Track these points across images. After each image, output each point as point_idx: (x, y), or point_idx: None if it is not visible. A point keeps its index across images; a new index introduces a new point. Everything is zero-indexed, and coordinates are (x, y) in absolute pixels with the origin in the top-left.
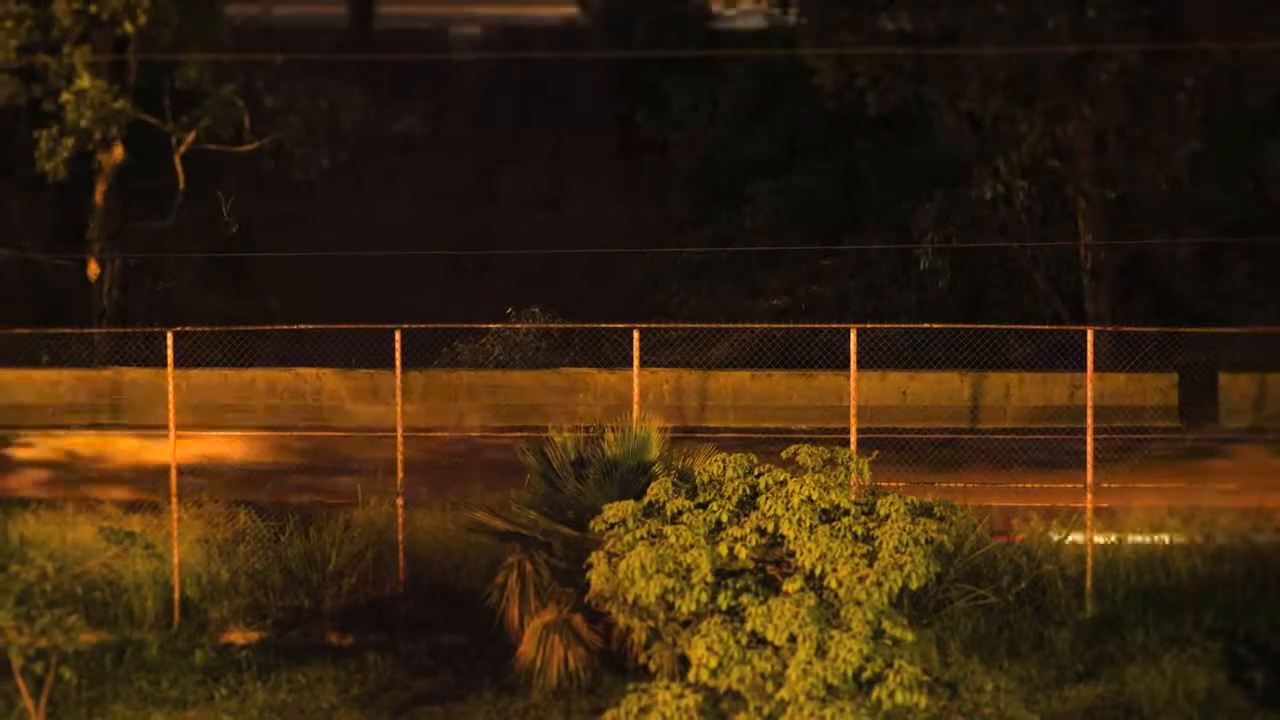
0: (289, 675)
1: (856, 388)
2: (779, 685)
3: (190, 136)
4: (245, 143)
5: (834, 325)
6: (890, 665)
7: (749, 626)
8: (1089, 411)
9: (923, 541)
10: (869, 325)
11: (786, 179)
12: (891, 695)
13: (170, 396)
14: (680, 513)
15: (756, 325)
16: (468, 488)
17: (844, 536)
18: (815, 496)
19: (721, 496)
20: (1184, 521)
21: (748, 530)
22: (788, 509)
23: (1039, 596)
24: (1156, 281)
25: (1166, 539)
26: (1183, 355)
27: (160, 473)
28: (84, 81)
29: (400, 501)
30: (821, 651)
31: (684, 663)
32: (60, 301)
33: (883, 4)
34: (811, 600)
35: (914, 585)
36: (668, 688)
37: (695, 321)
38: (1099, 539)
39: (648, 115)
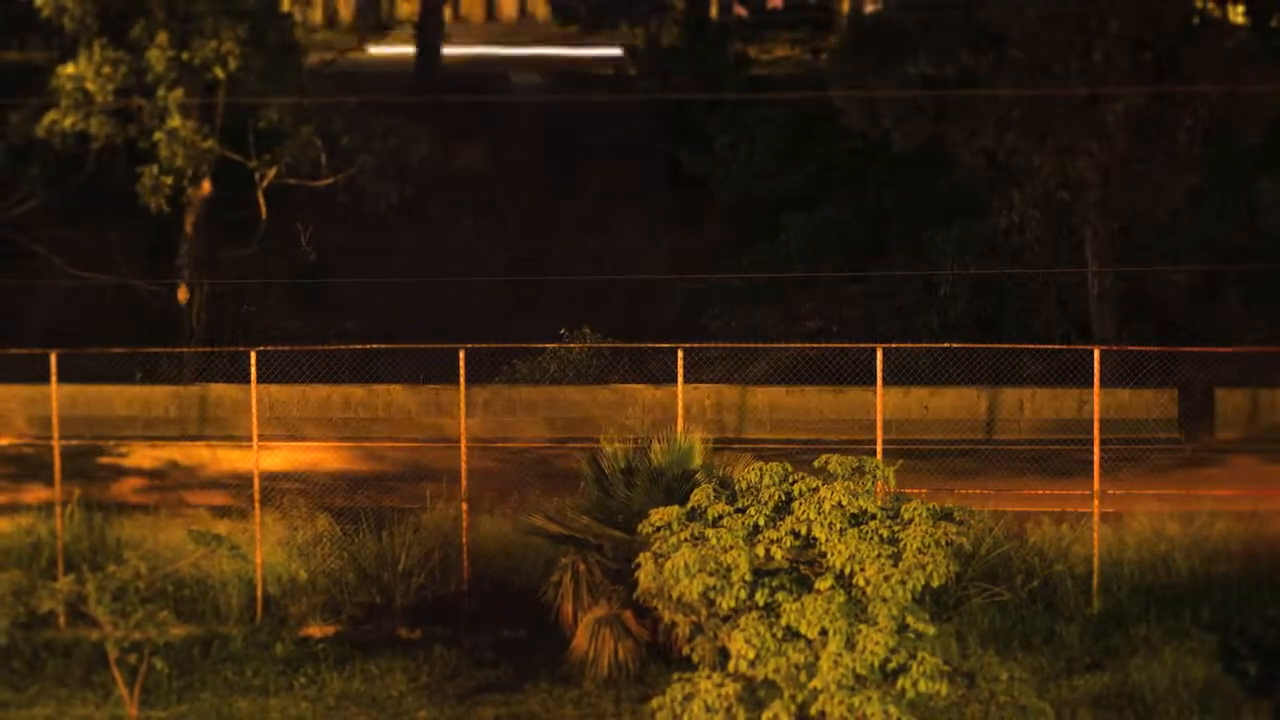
0: (362, 666)
1: (882, 402)
2: (811, 675)
3: (272, 172)
4: (322, 178)
5: (862, 345)
6: (913, 657)
7: (784, 621)
8: (1095, 424)
9: (943, 543)
10: (894, 345)
11: (818, 211)
12: (915, 684)
13: (254, 410)
14: (721, 517)
15: (791, 345)
16: (526, 494)
17: (871, 539)
18: (845, 502)
19: (759, 502)
20: (1183, 525)
21: (783, 533)
22: (819, 513)
23: (1050, 594)
24: (1158, 305)
25: (1167, 541)
26: (1182, 372)
27: (244, 480)
28: (175, 122)
29: (464, 507)
30: (851, 644)
31: (724, 654)
32: (153, 323)
33: (906, 51)
34: (841, 597)
35: (935, 583)
36: (709, 677)
37: (735, 341)
38: (1105, 541)
39: (691, 152)
